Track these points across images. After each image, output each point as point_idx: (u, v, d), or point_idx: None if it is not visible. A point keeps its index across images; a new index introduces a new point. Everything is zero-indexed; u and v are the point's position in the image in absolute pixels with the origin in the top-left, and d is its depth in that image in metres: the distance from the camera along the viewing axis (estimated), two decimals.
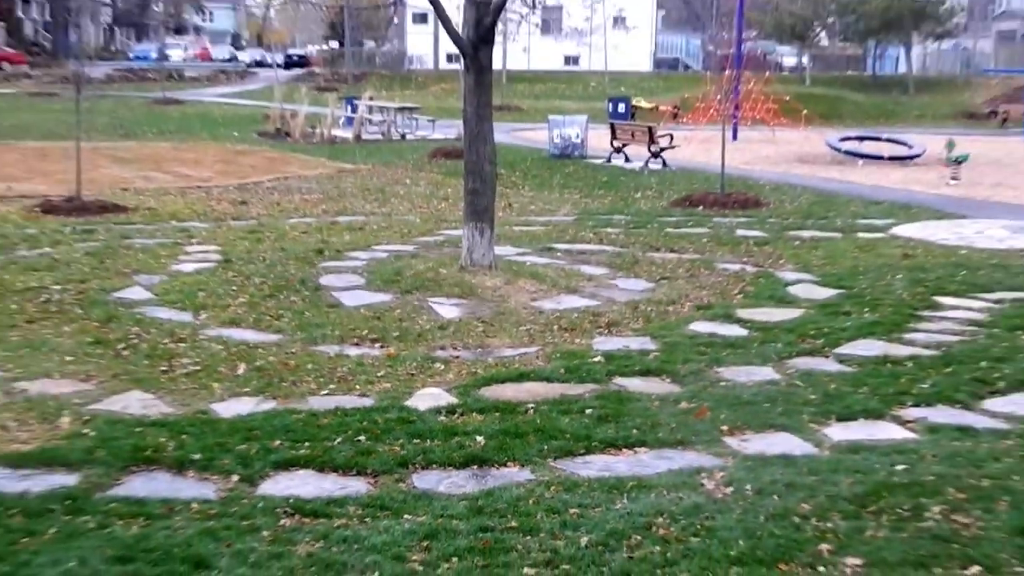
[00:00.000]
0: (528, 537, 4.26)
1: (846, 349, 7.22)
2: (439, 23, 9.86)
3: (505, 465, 5.09)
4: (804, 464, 5.12)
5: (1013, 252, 11.33)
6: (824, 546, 4.19)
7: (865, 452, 5.27)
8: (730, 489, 4.79)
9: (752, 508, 4.54)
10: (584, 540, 4.22)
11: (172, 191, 15.64)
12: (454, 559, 4.05)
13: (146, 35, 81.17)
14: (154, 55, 61.73)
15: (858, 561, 4.07)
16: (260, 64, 65.25)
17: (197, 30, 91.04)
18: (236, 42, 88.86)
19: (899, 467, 5.03)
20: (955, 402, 6.09)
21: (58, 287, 8.87)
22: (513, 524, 4.38)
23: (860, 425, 5.72)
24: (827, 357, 7.07)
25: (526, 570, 3.97)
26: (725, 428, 5.62)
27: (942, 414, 5.89)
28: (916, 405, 6.03)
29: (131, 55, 65.65)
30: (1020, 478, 4.90)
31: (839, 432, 5.60)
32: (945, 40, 55.74)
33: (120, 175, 17.06)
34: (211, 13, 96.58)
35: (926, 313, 8.28)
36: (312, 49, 70.96)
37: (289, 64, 61.24)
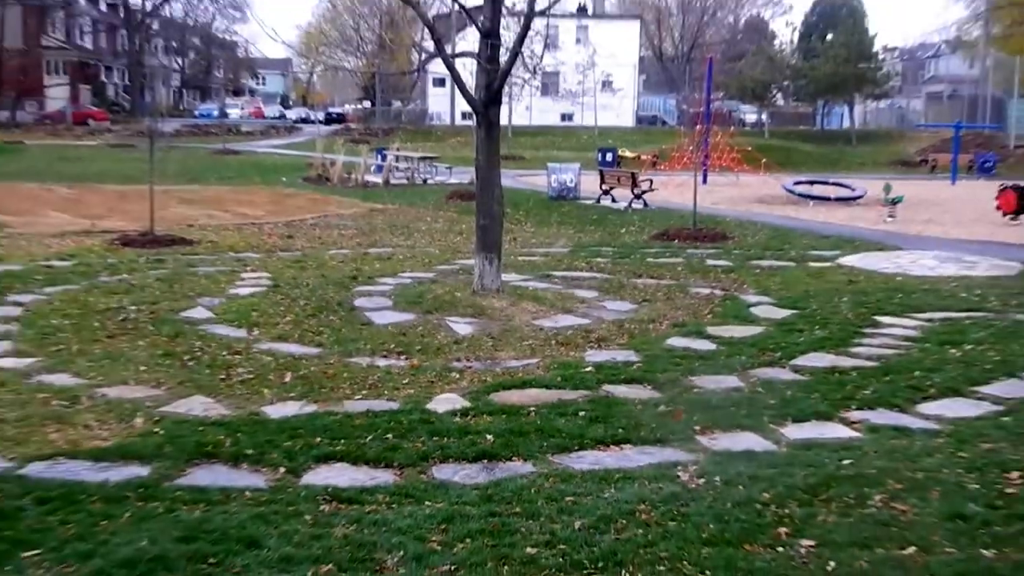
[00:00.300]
0: (530, 521, 4.24)
1: (800, 361, 7.20)
2: (455, 86, 9.91)
3: (511, 459, 5.08)
4: (765, 459, 5.10)
5: (942, 279, 11.30)
6: (782, 529, 4.17)
7: (816, 448, 5.25)
8: (702, 480, 4.77)
9: (721, 497, 4.53)
10: (578, 523, 4.20)
11: (230, 227, 15.69)
12: (468, 540, 4.04)
13: (209, 96, 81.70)
14: (216, 113, 62.14)
15: (811, 542, 4.05)
16: (304, 121, 65.56)
17: (252, 92, 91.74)
18: (285, 102, 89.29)
19: (845, 461, 5.02)
20: (893, 406, 6.07)
21: (134, 307, 8.89)
22: (517, 510, 4.37)
23: (812, 425, 5.70)
24: (784, 368, 7.05)
25: (528, 549, 3.96)
26: (697, 428, 5.61)
27: (882, 416, 5.87)
28: (860, 408, 6.01)
29: (196, 113, 65.93)
30: (949, 471, 4.88)
31: (794, 431, 5.58)
32: (882, 100, 55.99)
33: (186, 213, 17.12)
34: (264, 78, 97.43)
35: (868, 330, 8.26)
36: (348, 108, 71.29)
37: (329, 120, 61.41)
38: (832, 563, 3.87)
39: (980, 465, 4.97)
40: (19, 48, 54.08)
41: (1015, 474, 4.84)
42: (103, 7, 69.18)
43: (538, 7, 9.57)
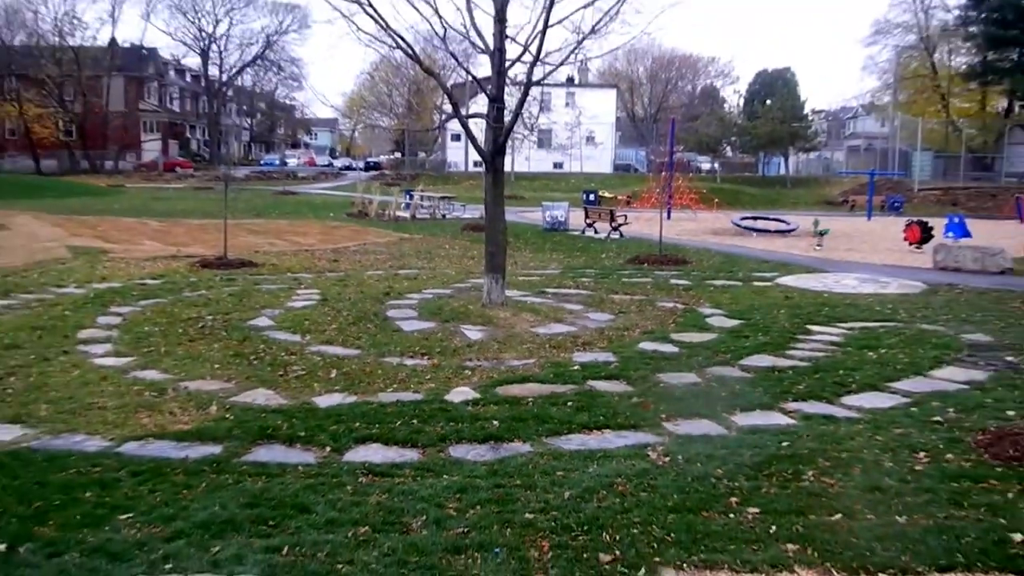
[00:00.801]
0: (528, 492, 4.21)
1: (747, 361, 7.17)
2: (469, 141, 9.95)
3: (513, 441, 5.05)
4: (718, 441, 5.07)
5: (861, 295, 11.27)
6: (733, 499, 4.13)
7: (760, 433, 5.22)
8: (667, 459, 4.73)
9: (683, 472, 4.49)
10: (567, 494, 4.17)
11: (288, 253, 15.70)
12: (478, 507, 4.01)
13: (272, 148, 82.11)
14: (277, 162, 62.46)
15: (756, 510, 4.01)
16: (348, 168, 65.67)
17: (306, 145, 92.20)
18: (332, 153, 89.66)
19: (784, 443, 4.98)
20: (822, 398, 6.03)
21: (210, 317, 8.89)
22: (518, 482, 4.34)
23: (757, 414, 5.67)
24: (734, 367, 7.01)
25: (527, 515, 3.93)
26: (664, 416, 5.57)
27: (813, 407, 5.83)
28: (795, 400, 5.97)
29: (262, 162, 66.21)
30: (868, 452, 4.85)
31: (742, 419, 5.55)
32: (811, 152, 55.97)
33: (253, 242, 17.15)
34: (316, 133, 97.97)
35: (801, 337, 8.23)
36: (383, 157, 71.49)
37: (367, 168, 61.41)
38: (774, 527, 3.83)
39: (893, 447, 4.93)
40: (122, 111, 54.75)
41: (922, 454, 4.81)
42: (188, 79, 69.75)
43: (534, 79, 9.62)
